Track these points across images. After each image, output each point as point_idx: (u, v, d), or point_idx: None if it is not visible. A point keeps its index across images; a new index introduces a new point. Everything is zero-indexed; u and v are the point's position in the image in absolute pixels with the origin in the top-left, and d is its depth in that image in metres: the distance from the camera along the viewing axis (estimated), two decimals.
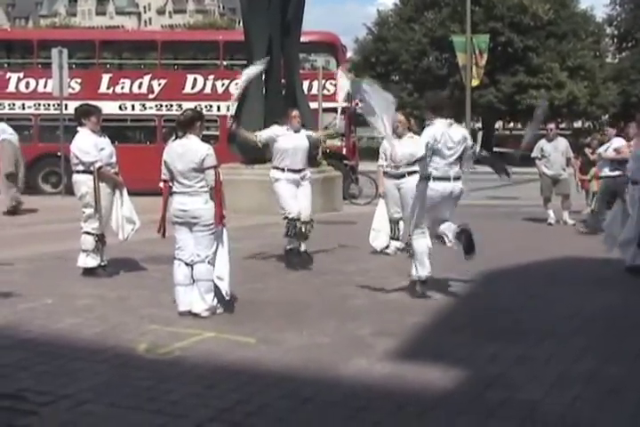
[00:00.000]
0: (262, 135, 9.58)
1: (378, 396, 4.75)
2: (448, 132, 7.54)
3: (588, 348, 5.91)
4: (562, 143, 14.34)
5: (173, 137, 7.09)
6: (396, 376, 5.13)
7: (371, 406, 4.59)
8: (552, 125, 14.81)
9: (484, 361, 5.51)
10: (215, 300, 6.84)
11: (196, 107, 20.86)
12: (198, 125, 6.90)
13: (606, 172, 12.58)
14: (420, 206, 7.63)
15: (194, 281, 6.84)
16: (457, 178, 7.58)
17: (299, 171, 9.47)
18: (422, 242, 7.67)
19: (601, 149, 13.14)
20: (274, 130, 9.62)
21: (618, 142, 12.54)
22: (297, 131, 9.60)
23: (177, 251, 6.95)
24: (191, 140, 6.84)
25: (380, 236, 10.29)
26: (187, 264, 6.87)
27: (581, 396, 4.80)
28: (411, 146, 9.45)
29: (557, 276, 8.95)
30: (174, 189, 6.88)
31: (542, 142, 14.30)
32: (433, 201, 7.53)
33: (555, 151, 14.14)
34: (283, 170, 9.40)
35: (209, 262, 6.81)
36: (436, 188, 7.49)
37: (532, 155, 14.26)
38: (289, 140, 9.45)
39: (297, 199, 9.38)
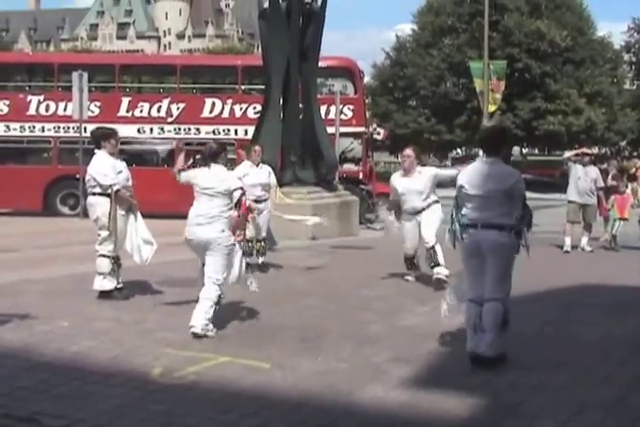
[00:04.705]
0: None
1: (393, 424, 4.71)
2: None
3: (609, 376, 5.85)
4: (593, 171, 14.38)
5: (191, 161, 7.38)
6: (412, 404, 5.08)
7: None
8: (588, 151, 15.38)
9: (501, 389, 5.46)
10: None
11: (213, 131, 21.25)
12: (222, 156, 7.42)
13: None
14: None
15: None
16: None
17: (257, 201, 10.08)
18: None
19: None
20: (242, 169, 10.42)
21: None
22: (257, 164, 10.73)
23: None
24: (216, 169, 7.27)
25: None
26: None
27: (602, 425, 4.74)
28: (419, 182, 9.84)
29: (575, 302, 8.88)
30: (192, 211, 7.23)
31: (574, 164, 14.36)
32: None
33: (585, 176, 14.16)
34: None
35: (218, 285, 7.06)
36: None
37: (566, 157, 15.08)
38: (253, 177, 10.44)
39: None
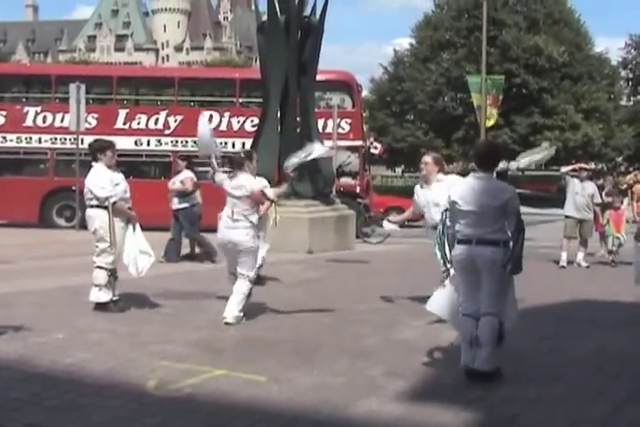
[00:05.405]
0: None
1: None
2: None
3: (604, 390, 5.84)
4: (590, 186, 14.43)
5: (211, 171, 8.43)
6: (408, 418, 5.06)
7: None
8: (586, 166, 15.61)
9: (497, 403, 5.44)
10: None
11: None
12: (247, 164, 8.32)
13: (175, 204, 13.55)
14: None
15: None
16: None
17: None
18: None
19: (170, 182, 14.05)
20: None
21: (184, 175, 13.61)
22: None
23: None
24: (242, 175, 8.18)
25: None
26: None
27: None
28: (437, 193, 8.69)
29: (571, 318, 8.88)
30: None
31: (572, 179, 14.43)
32: None
33: (582, 191, 14.23)
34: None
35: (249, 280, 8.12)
36: None
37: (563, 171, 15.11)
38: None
39: None
